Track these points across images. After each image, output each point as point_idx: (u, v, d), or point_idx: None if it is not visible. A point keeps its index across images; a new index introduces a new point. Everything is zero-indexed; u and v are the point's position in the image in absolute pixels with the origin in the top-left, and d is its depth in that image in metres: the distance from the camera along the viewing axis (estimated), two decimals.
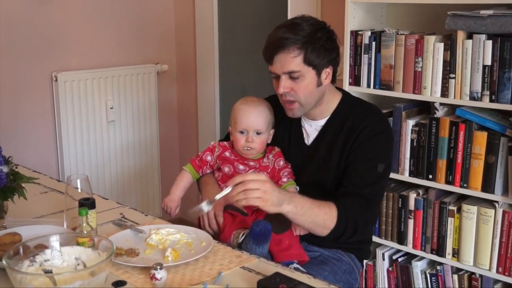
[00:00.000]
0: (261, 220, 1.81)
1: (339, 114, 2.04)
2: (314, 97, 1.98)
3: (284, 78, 1.94)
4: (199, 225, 2.07)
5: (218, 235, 1.96)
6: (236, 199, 1.72)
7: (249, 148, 2.01)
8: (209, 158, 2.10)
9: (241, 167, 2.03)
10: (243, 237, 1.83)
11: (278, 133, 2.11)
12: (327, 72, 1.97)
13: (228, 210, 1.96)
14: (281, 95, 1.98)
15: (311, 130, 2.07)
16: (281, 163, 2.05)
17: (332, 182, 1.98)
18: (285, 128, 2.11)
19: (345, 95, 2.10)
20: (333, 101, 2.06)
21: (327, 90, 2.02)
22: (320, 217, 1.82)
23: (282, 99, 1.99)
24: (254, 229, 1.78)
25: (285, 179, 2.03)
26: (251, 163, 2.03)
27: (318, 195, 1.90)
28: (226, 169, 2.06)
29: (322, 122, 2.05)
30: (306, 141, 2.08)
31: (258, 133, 2.01)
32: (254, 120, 2.00)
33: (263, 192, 1.70)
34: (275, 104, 2.07)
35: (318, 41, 1.92)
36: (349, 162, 1.96)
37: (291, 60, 1.91)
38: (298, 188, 2.03)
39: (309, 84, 1.94)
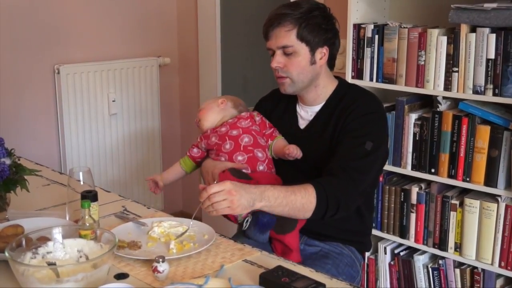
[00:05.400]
0: (267, 213, 1.82)
1: (333, 100, 2.04)
2: (306, 75, 1.98)
3: (278, 53, 1.97)
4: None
5: None
6: (208, 211, 1.72)
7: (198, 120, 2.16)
8: (198, 139, 2.18)
9: (234, 132, 2.05)
10: (247, 223, 1.87)
11: (272, 121, 2.13)
12: (322, 52, 1.98)
13: (230, 174, 1.94)
14: (274, 71, 2.00)
15: (306, 116, 2.08)
16: (267, 121, 2.10)
17: (327, 164, 1.98)
18: (281, 116, 2.13)
19: (341, 82, 2.10)
20: (329, 87, 2.06)
21: (323, 74, 2.03)
22: (297, 202, 1.80)
23: (275, 75, 2.01)
24: (261, 220, 1.82)
25: (276, 134, 2.08)
26: (243, 123, 2.06)
27: (314, 177, 1.89)
28: (213, 138, 2.08)
29: (317, 108, 2.06)
30: (301, 127, 2.09)
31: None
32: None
33: (230, 201, 1.69)
34: (276, 95, 2.09)
35: (313, 19, 1.94)
36: (338, 141, 1.96)
37: (284, 34, 1.94)
38: (283, 138, 2.06)
39: (301, 60, 1.96)
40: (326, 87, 2.05)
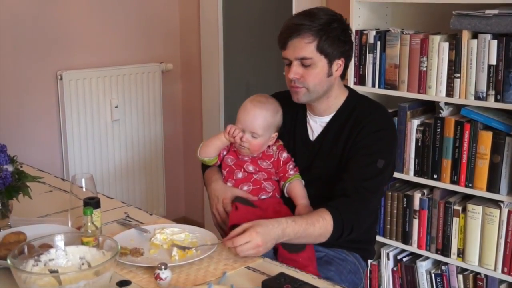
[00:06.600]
0: None
1: (344, 111, 2.03)
2: (322, 86, 1.97)
3: (296, 64, 1.94)
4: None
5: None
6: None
7: (243, 147, 2.01)
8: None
9: (251, 168, 2.03)
10: None
11: (283, 129, 2.10)
12: (338, 64, 1.97)
13: (236, 203, 1.96)
14: (290, 81, 1.97)
15: (316, 126, 2.07)
16: (285, 155, 2.05)
17: (336, 177, 1.98)
18: (290, 124, 2.11)
19: (352, 92, 2.10)
20: (340, 97, 2.05)
21: (336, 85, 2.02)
22: (315, 233, 1.82)
23: (289, 85, 1.99)
24: None
25: (292, 172, 2.03)
26: (264, 164, 2.04)
27: (323, 189, 1.93)
28: (229, 160, 2.06)
29: (327, 118, 2.05)
30: (310, 137, 2.08)
31: (254, 136, 1.99)
32: (252, 122, 1.98)
33: (257, 252, 1.70)
34: (282, 101, 2.07)
35: (333, 31, 1.92)
36: (350, 156, 1.96)
37: (304, 46, 1.91)
38: (303, 182, 2.03)
39: (319, 72, 1.94)
40: (337, 98, 2.04)
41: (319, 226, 1.82)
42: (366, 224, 1.98)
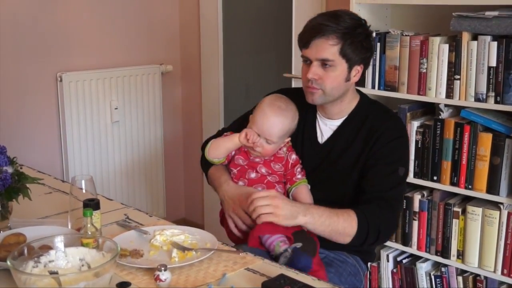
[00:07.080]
0: (304, 254, 1.77)
1: (356, 116, 2.03)
2: (339, 91, 1.96)
3: (316, 64, 1.92)
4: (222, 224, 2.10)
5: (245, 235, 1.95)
6: (253, 216, 1.76)
7: (255, 150, 1.99)
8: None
9: (263, 170, 2.02)
10: (285, 258, 1.78)
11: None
12: (357, 70, 1.96)
13: None
14: (307, 81, 1.95)
15: (325, 129, 2.06)
16: (294, 156, 2.04)
17: (345, 181, 1.99)
18: (299, 126, 2.07)
19: (363, 97, 2.09)
20: (353, 102, 2.05)
21: (351, 90, 2.02)
22: (339, 224, 1.82)
23: (305, 85, 1.98)
24: (296, 264, 1.74)
25: (299, 176, 2.02)
26: (276, 166, 2.03)
27: (328, 193, 1.93)
28: (240, 161, 2.04)
29: (338, 122, 2.04)
30: (319, 139, 2.07)
31: (268, 142, 1.96)
32: (269, 129, 1.95)
33: (274, 207, 1.71)
34: (293, 99, 2.04)
35: (358, 36, 1.91)
36: (369, 166, 1.96)
37: (328, 48, 1.89)
38: (309, 186, 2.02)
39: (338, 76, 1.93)
40: (350, 102, 2.04)
41: (343, 218, 1.83)
42: (393, 232, 1.99)
